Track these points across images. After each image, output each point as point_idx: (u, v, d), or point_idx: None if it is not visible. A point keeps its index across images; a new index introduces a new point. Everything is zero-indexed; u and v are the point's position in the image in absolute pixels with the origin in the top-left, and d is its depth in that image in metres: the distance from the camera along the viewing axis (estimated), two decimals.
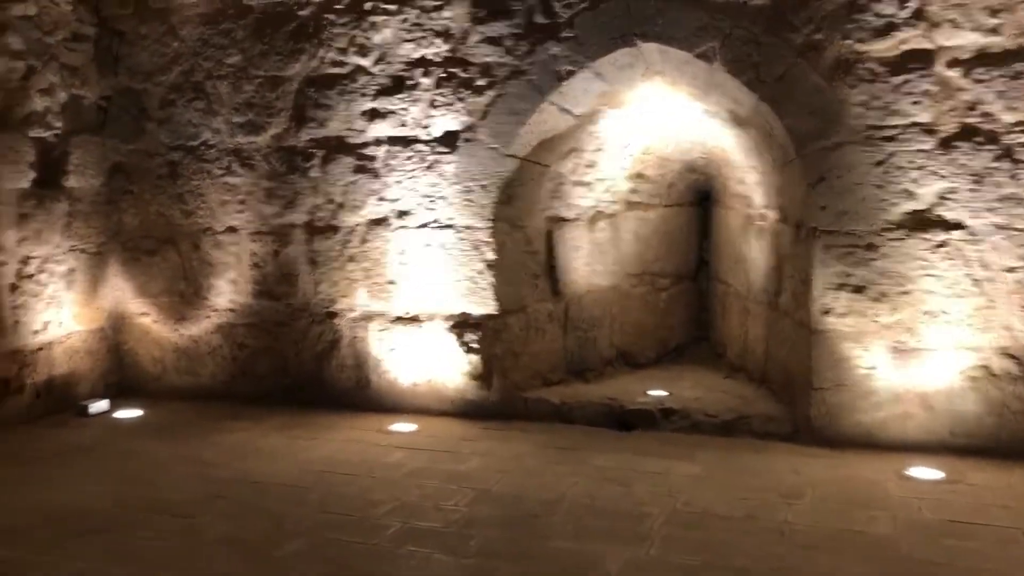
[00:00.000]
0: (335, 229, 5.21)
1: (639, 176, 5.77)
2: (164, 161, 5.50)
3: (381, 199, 5.11)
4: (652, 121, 5.38)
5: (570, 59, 4.66)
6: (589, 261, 5.62)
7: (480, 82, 4.83)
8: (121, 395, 5.51)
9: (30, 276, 5.05)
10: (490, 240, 4.92)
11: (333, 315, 5.27)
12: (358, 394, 5.23)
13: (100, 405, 5.24)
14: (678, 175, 5.97)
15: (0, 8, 4.83)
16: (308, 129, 5.20)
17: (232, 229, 5.41)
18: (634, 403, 4.91)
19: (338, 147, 5.15)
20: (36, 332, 5.09)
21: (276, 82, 5.22)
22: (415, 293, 5.09)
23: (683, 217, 6.20)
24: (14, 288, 4.95)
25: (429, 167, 4.99)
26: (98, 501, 3.74)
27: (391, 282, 5.15)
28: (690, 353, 6.19)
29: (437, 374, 5.07)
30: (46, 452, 4.46)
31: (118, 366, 5.67)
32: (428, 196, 5.00)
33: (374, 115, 5.06)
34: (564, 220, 5.46)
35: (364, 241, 5.17)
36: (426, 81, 4.94)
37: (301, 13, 5.13)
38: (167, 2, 5.35)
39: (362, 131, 5.10)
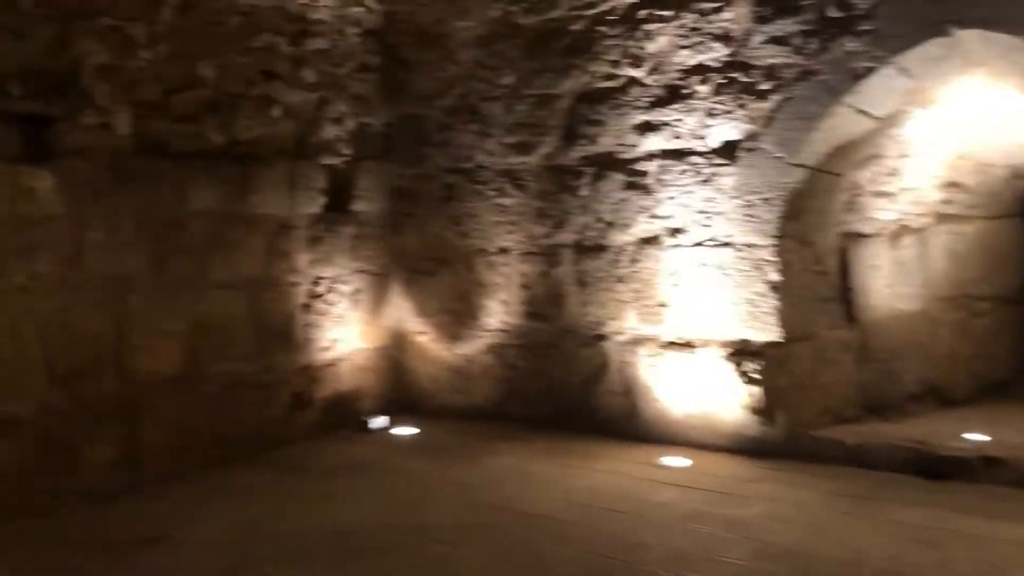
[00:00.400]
0: (604, 249, 5.01)
1: (953, 184, 5.02)
2: (441, 184, 5.61)
3: (653, 216, 4.82)
4: (969, 120, 4.64)
5: (869, 55, 4.10)
6: (891, 282, 4.95)
7: (764, 86, 4.41)
8: (400, 412, 5.65)
9: (320, 296, 5.33)
10: (774, 259, 4.45)
11: (601, 338, 5.05)
12: (626, 423, 4.96)
13: (380, 421, 5.41)
14: (1002, 182, 5.13)
15: (297, 44, 5.15)
16: (578, 146, 5.05)
17: (504, 250, 5.38)
18: (946, 448, 4.20)
19: (608, 164, 4.95)
20: (325, 349, 5.36)
21: (547, 100, 5.13)
22: (688, 317, 4.74)
23: (1008, 231, 5.33)
24: (306, 307, 5.24)
25: (705, 181, 4.63)
26: (371, 521, 3.77)
27: (662, 304, 4.84)
28: (1017, 390, 5.28)
29: (712, 405, 4.68)
30: (328, 468, 4.63)
31: (398, 383, 5.84)
32: (704, 212, 4.64)
33: (646, 128, 4.80)
34: (861, 236, 4.86)
35: (634, 261, 4.91)
36: (703, 89, 4.59)
37: (573, 28, 5.00)
38: (445, 27, 5.46)
39: (634, 146, 4.85)
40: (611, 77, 4.90)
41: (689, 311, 4.74)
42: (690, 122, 4.65)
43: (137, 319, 4.36)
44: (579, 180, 5.06)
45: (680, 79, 4.67)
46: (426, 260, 5.71)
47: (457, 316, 5.60)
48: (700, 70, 4.60)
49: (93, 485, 4.10)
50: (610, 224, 4.97)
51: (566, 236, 5.13)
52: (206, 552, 3.47)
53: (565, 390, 5.19)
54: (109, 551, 3.46)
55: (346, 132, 5.50)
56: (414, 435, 5.27)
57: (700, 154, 4.63)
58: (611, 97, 4.91)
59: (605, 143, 4.95)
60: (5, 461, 3.84)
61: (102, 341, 4.22)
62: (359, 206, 5.61)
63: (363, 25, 5.55)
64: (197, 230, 4.63)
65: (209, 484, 4.34)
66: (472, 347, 5.54)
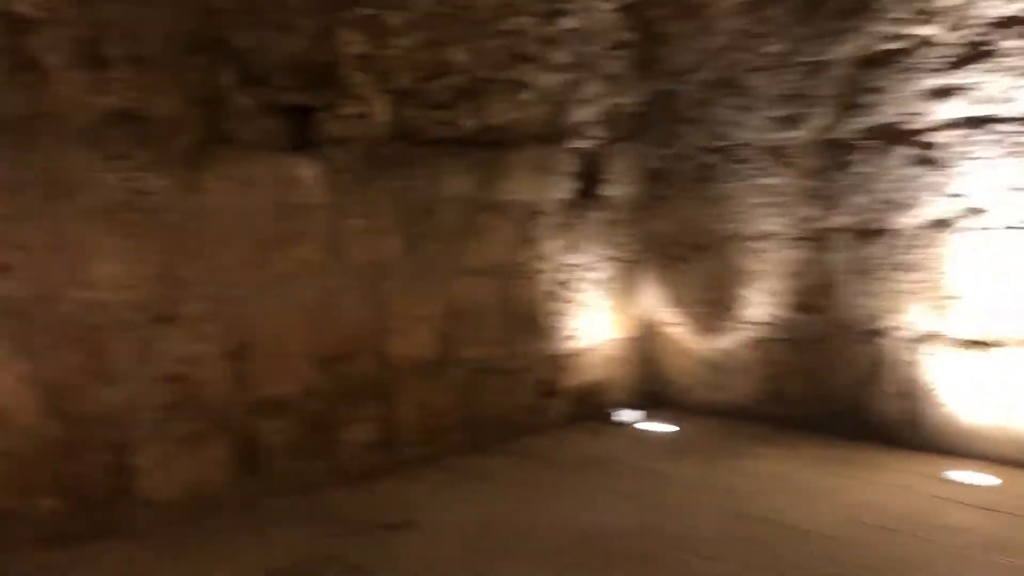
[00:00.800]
0: (883, 232, 4.44)
1: None
2: (697, 164, 5.26)
3: (944, 195, 4.20)
4: None
5: None
6: None
7: None
8: (650, 406, 5.39)
9: (569, 283, 5.18)
10: None
11: (878, 333, 4.49)
12: (907, 430, 4.39)
13: (629, 415, 5.18)
14: None
15: (548, 24, 5.01)
16: (855, 118, 4.51)
17: (766, 235, 4.94)
18: None
19: (891, 135, 4.37)
20: (573, 338, 5.20)
21: (819, 68, 4.63)
22: (986, 311, 4.09)
23: None
24: (554, 295, 5.11)
25: (1013, 152, 3.95)
26: (622, 524, 3.54)
27: (953, 296, 4.21)
28: None
29: (1017, 414, 4.00)
30: (575, 461, 4.46)
31: (648, 376, 5.58)
32: (1011, 189, 3.97)
33: (939, 94, 4.18)
34: None
35: (920, 246, 4.31)
36: (1015, 44, 3.90)
37: None
38: None
39: (922, 115, 4.25)
40: (896, 38, 4.32)
41: (987, 304, 4.08)
42: (995, 84, 3.99)
43: (392, 304, 4.42)
44: (855, 155, 4.52)
45: (984, 35, 4.01)
46: (680, 246, 5.39)
47: (713, 306, 5.24)
48: (1011, 23, 3.92)
49: (350, 465, 4.21)
50: (892, 204, 4.39)
51: (839, 219, 4.61)
52: (454, 540, 3.41)
53: (835, 391, 4.68)
54: (363, 534, 3.49)
55: (597, 113, 5.30)
56: (666, 432, 4.99)
57: (1009, 121, 3.95)
58: (895, 60, 4.33)
59: (887, 113, 4.38)
60: (274, 441, 4.01)
61: (360, 325, 4.31)
62: (610, 190, 5.39)
63: (617, 0, 5.31)
64: (448, 216, 4.62)
65: (457, 469, 4.33)
66: (730, 340, 5.16)
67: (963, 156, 4.11)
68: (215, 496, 3.80)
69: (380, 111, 4.34)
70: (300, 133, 4.07)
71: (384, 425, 4.37)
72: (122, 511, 3.56)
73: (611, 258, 5.39)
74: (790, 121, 4.78)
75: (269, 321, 4.01)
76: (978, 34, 4.02)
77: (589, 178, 5.28)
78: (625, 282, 5.47)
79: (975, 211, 4.10)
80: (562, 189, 5.14)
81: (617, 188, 5.42)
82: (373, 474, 4.21)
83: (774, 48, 4.81)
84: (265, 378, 3.99)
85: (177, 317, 3.74)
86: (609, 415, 5.17)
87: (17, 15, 3.28)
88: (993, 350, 4.10)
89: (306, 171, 4.10)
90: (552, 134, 5.08)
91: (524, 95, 4.94)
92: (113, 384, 3.56)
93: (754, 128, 4.95)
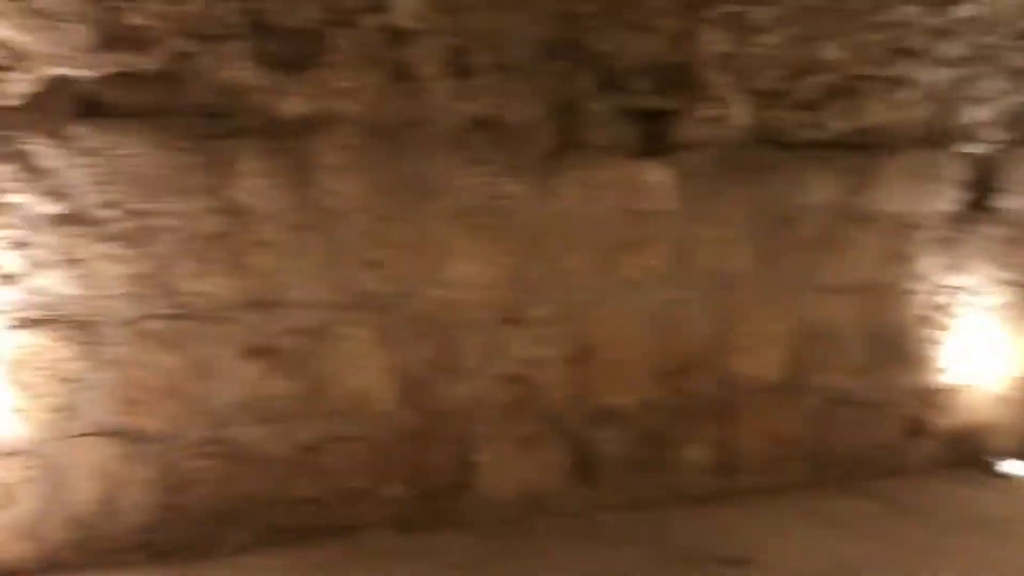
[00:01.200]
0: None
1: None
2: None
3: None
4: None
5: None
6: None
7: None
8: None
9: (947, 308, 4.52)
10: None
11: None
12: None
13: (1015, 466, 4.40)
14: None
15: (940, 12, 4.37)
16: None
17: None
18: None
19: None
20: (949, 371, 4.53)
21: None
22: None
23: None
24: (929, 320, 4.49)
25: None
26: None
27: None
28: None
29: None
30: (949, 516, 3.86)
31: None
32: None
33: None
34: None
35: None
36: None
37: None
38: None
39: None
40: None
41: None
42: None
43: (739, 319, 4.16)
44: None
45: None
46: None
47: None
48: None
49: (684, 486, 4.02)
50: None
51: None
52: None
53: None
54: (694, 564, 3.29)
55: (996, 113, 4.54)
56: None
57: None
58: None
59: None
60: (609, 451, 3.94)
61: (703, 339, 4.10)
62: (1008, 202, 4.61)
63: None
64: (806, 226, 4.25)
65: (802, 506, 3.96)
66: None
67: None
68: (547, 500, 3.81)
69: (738, 113, 4.08)
70: (652, 137, 3.95)
71: (723, 448, 4.12)
72: (461, 504, 3.69)
73: (1006, 281, 4.63)
74: None
75: (610, 328, 3.95)
76: None
77: (982, 187, 4.57)
78: (1022, 310, 4.66)
79: None
80: (946, 199, 4.51)
81: (1018, 200, 4.62)
82: (708, 499, 3.99)
83: None
84: (603, 386, 3.94)
85: (523, 319, 3.80)
86: (991, 464, 4.44)
87: (398, 28, 3.50)
88: None
89: (656, 176, 3.98)
90: (937, 136, 4.47)
91: (905, 93, 4.38)
92: (461, 380, 3.71)
93: None
